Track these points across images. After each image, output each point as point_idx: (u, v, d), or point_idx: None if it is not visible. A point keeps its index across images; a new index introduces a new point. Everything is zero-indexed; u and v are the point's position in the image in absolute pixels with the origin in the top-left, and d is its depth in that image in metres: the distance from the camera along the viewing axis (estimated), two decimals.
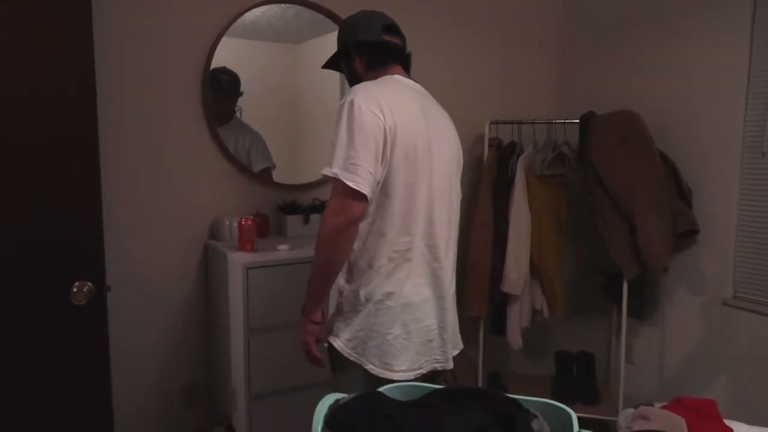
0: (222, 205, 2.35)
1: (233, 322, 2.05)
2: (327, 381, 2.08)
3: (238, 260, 1.98)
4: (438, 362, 1.58)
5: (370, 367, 1.49)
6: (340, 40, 1.67)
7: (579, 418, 1.01)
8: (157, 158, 2.23)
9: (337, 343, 1.52)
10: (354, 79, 1.63)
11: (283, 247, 2.12)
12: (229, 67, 2.33)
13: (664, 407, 1.51)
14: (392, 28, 1.62)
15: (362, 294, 1.49)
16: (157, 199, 2.25)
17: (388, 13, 1.67)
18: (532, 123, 2.66)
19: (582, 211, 2.62)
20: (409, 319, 1.50)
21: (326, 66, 1.77)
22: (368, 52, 1.60)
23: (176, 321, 2.33)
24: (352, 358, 1.50)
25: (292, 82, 2.50)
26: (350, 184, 1.37)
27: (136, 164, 2.20)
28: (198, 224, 2.33)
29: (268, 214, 2.41)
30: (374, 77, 1.56)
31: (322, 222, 1.43)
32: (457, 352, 1.66)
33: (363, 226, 1.47)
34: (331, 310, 1.57)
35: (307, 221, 2.41)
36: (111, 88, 2.08)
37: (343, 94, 2.59)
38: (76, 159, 1.60)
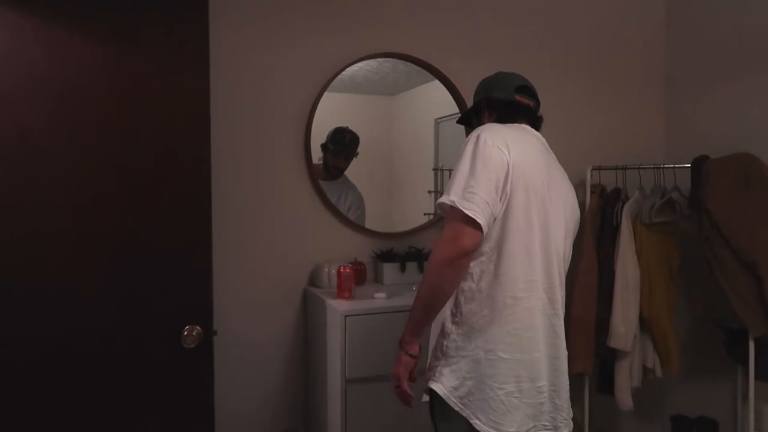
0: (322, 253, 2.40)
1: (330, 370, 2.05)
2: None
3: (336, 307, 2.00)
4: (546, 429, 1.47)
5: (475, 422, 1.39)
6: (476, 96, 1.69)
7: None
8: (262, 207, 2.33)
9: (441, 390, 1.42)
10: None
11: (380, 295, 2.12)
12: (331, 121, 2.43)
13: None
14: (526, 90, 1.62)
15: (473, 339, 1.41)
16: (260, 246, 2.33)
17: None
18: (638, 168, 2.53)
19: (695, 261, 2.43)
20: (523, 375, 1.41)
21: (460, 121, 1.80)
22: (498, 108, 1.60)
23: (276, 367, 2.37)
24: (456, 408, 1.41)
25: (387, 133, 2.56)
26: (467, 212, 1.34)
27: (242, 212, 2.30)
28: (298, 271, 2.39)
29: (366, 263, 2.44)
30: None
31: (433, 250, 1.39)
32: (569, 419, 1.53)
33: (477, 264, 1.41)
34: (432, 351, 1.50)
35: (403, 269, 2.41)
36: (222, 139, 2.20)
37: (437, 143, 2.62)
38: (190, 214, 1.70)
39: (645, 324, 2.41)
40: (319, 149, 2.41)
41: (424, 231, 2.58)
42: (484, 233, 1.37)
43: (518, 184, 1.40)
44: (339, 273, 2.11)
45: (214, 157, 1.78)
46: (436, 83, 2.56)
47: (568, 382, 1.53)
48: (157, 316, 1.69)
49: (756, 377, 2.27)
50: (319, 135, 2.41)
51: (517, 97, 1.59)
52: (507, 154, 1.39)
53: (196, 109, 1.69)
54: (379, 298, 2.10)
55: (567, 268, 1.57)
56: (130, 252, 1.65)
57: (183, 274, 1.71)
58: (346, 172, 2.49)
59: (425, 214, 2.59)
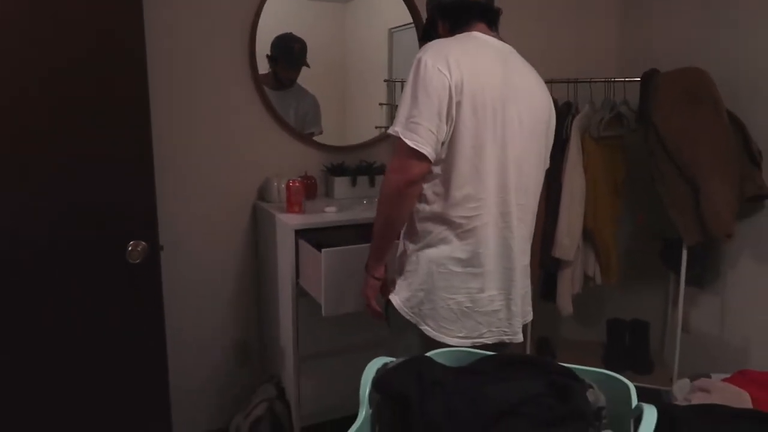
0: (271, 167, 2.35)
1: (281, 283, 2.07)
2: (382, 341, 2.11)
3: (286, 221, 1.98)
4: (506, 334, 1.55)
5: (425, 328, 1.48)
6: (427, 6, 1.64)
7: None
8: (206, 120, 2.25)
9: (396, 301, 1.52)
10: None
11: (331, 209, 2.11)
12: (279, 28, 2.30)
13: (726, 380, 1.44)
14: None
15: (425, 255, 1.47)
16: (206, 161, 2.27)
17: None
18: (589, 81, 2.52)
19: (640, 175, 2.50)
20: (473, 287, 1.48)
21: (422, 41, 1.74)
22: (450, 14, 1.55)
23: (227, 280, 2.38)
24: (407, 317, 1.50)
25: (339, 43, 2.45)
26: (410, 143, 1.35)
27: (186, 127, 2.22)
28: (247, 185, 2.35)
29: (317, 177, 2.41)
30: None
31: (383, 181, 1.44)
32: (526, 322, 1.62)
33: (429, 186, 1.44)
34: (395, 267, 1.58)
35: (354, 183, 2.39)
36: (160, 51, 2.08)
37: (392, 55, 2.53)
38: (127, 121, 1.63)
39: (588, 234, 2.50)
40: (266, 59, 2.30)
41: (375, 144, 2.55)
42: (432, 161, 1.39)
43: (465, 105, 1.38)
44: (288, 187, 2.08)
45: (153, 68, 1.68)
46: None
47: (526, 291, 1.60)
48: (99, 232, 1.65)
49: (687, 283, 2.41)
50: (267, 43, 2.28)
51: None
52: (449, 75, 1.36)
53: (129, 12, 1.57)
54: (330, 212, 2.09)
55: (540, 177, 1.59)
56: (65, 166, 1.58)
57: (125, 188, 1.65)
58: (299, 81, 2.39)
59: (377, 127, 2.55)
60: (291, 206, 2.08)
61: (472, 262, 1.46)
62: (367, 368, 0.96)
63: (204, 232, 2.30)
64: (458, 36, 1.49)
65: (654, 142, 2.31)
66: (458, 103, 1.37)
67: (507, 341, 1.56)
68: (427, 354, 1.04)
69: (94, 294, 1.67)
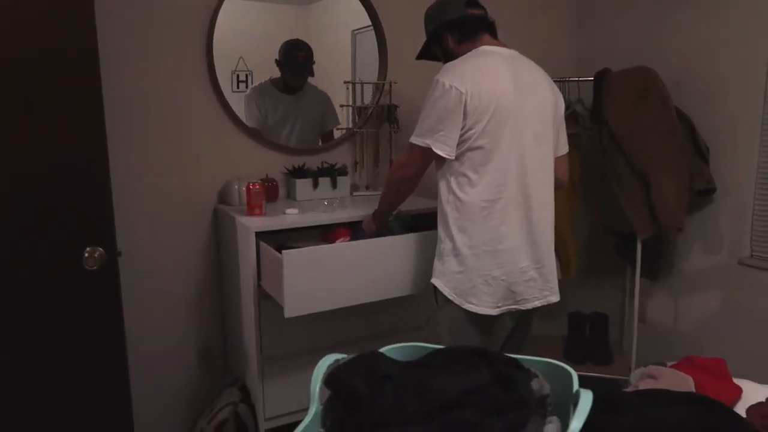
0: (231, 170, 2.34)
1: (243, 285, 2.07)
2: (346, 341, 2.13)
3: (247, 224, 1.98)
4: (544, 295, 1.76)
5: (468, 306, 1.67)
6: (429, 26, 1.83)
7: (591, 378, 1.01)
8: (164, 122, 2.22)
9: (438, 284, 1.73)
10: (448, 57, 1.78)
11: (292, 210, 2.12)
12: (241, 30, 2.30)
13: (673, 366, 1.50)
14: (472, 3, 1.77)
15: (458, 239, 1.66)
16: (165, 163, 2.25)
17: None
18: None
19: (595, 171, 2.57)
20: (505, 261, 1.67)
21: (420, 57, 1.93)
22: (457, 28, 1.76)
23: (188, 285, 2.36)
24: (450, 297, 1.69)
25: None
26: (425, 142, 1.64)
27: (143, 129, 2.19)
28: (207, 189, 2.33)
29: (278, 179, 2.41)
30: (467, 48, 1.73)
31: (393, 169, 1.86)
32: (556, 288, 1.80)
33: (456, 183, 1.67)
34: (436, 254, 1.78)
35: (316, 185, 2.40)
36: (115, 51, 2.07)
37: (356, 58, 2.55)
38: (80, 123, 1.60)
39: None
40: (233, 60, 2.32)
41: (337, 146, 2.56)
42: (448, 158, 1.64)
43: (481, 113, 1.60)
44: (248, 189, 2.08)
45: (107, 68, 1.67)
46: None
47: (553, 260, 1.81)
48: (54, 238, 1.62)
49: (642, 275, 2.49)
50: (229, 44, 2.27)
51: (470, 11, 1.75)
52: (464, 90, 1.59)
53: (78, 17, 1.56)
54: (291, 214, 2.10)
55: (561, 151, 1.87)
56: (15, 170, 1.55)
57: (79, 192, 1.63)
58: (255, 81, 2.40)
59: (338, 128, 2.56)
60: (251, 209, 2.08)
61: (499, 239, 1.66)
62: (318, 365, 0.98)
63: (164, 237, 2.28)
64: (468, 55, 1.70)
65: (607, 139, 2.39)
66: (475, 112, 1.60)
67: (549, 301, 1.77)
68: (380, 350, 1.06)
69: (49, 303, 1.64)
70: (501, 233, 1.66)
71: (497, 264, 1.67)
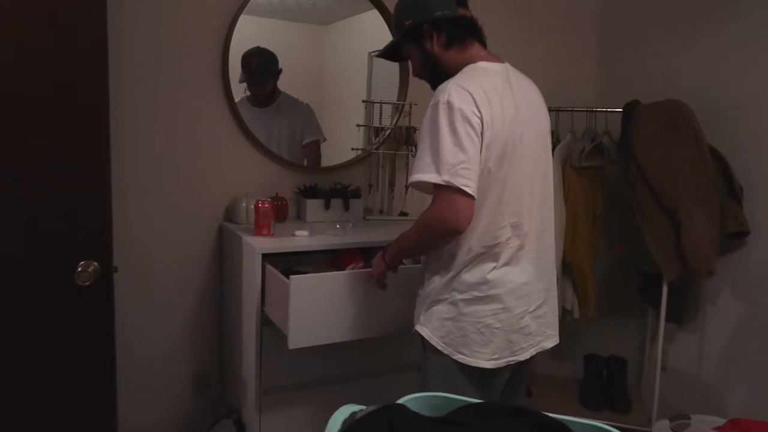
0: (240, 186, 2.23)
1: (246, 310, 1.94)
2: (352, 375, 1.99)
3: (253, 245, 1.86)
4: (545, 339, 1.55)
5: (459, 357, 1.46)
6: (405, 18, 1.52)
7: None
8: (172, 133, 2.13)
9: (425, 333, 1.50)
10: (428, 61, 1.52)
11: (302, 232, 2.00)
12: (251, 44, 2.21)
13: (718, 429, 1.36)
14: (463, 1, 1.52)
15: (449, 285, 1.46)
16: (171, 176, 2.15)
17: None
18: (571, 111, 2.49)
19: (619, 206, 2.46)
20: (498, 308, 1.45)
21: (383, 55, 1.65)
22: (447, 28, 1.48)
23: (187, 305, 2.24)
24: (439, 347, 1.47)
25: (318, 65, 2.38)
26: (467, 189, 1.32)
27: (150, 138, 2.10)
28: (214, 205, 2.22)
29: (288, 198, 2.30)
30: (454, 56, 1.49)
31: (431, 217, 1.40)
32: (556, 331, 1.60)
33: None
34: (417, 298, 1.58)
35: (327, 206, 2.29)
36: (126, 63, 1.99)
37: (371, 77, 2.46)
38: (82, 128, 1.51)
39: (566, 267, 2.43)
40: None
41: (351, 166, 2.46)
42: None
43: (492, 142, 1.38)
44: (257, 208, 1.97)
45: (117, 76, 1.58)
46: (373, 13, 2.39)
47: (554, 303, 1.60)
48: (46, 251, 1.51)
49: (666, 319, 2.35)
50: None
51: (461, 11, 1.49)
52: (480, 115, 1.35)
53: (88, 18, 1.47)
54: (300, 236, 1.98)
55: (551, 185, 1.59)
56: (9, 176, 1.45)
57: (76, 202, 1.52)
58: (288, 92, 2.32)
59: (353, 149, 2.46)
60: (259, 228, 1.96)
61: (495, 284, 1.45)
62: (332, 419, 0.84)
63: (164, 253, 2.17)
64: (466, 74, 1.44)
65: (634, 173, 2.27)
66: (489, 142, 1.37)
67: (548, 347, 1.56)
68: (401, 401, 0.93)
69: (37, 319, 1.52)
70: (497, 277, 1.45)
71: (491, 310, 1.46)
